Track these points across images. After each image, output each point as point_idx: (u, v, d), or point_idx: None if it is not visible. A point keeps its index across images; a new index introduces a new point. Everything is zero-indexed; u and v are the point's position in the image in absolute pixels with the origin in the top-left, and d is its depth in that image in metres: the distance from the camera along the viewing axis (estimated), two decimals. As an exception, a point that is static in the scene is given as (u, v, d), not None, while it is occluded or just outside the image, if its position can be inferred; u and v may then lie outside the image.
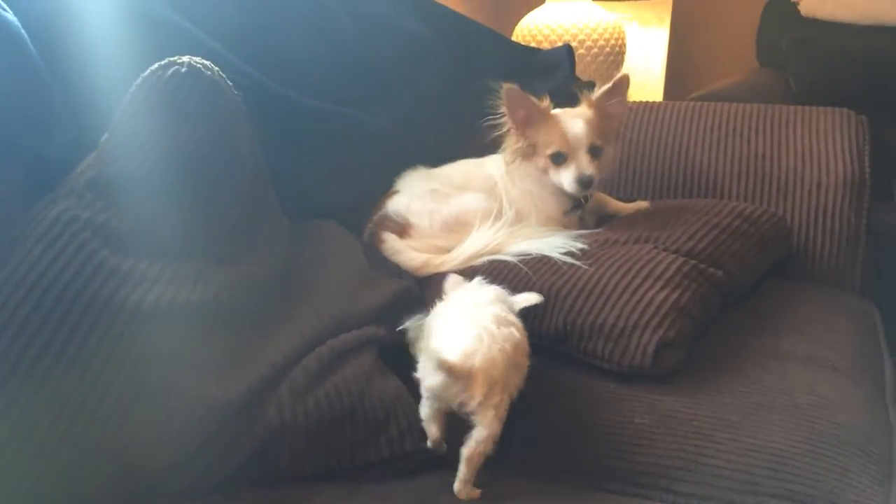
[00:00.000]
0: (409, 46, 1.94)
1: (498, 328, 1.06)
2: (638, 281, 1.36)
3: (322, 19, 1.75)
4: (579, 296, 1.34)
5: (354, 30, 1.80)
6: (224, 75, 1.26)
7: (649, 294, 1.33)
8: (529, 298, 1.24)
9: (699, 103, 2.05)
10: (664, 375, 1.27)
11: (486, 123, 1.62)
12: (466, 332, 1.04)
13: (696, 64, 3.72)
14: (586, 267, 1.38)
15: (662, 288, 1.35)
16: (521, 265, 1.44)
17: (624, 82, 1.60)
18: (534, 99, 1.59)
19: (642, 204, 1.78)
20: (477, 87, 1.84)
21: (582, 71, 3.07)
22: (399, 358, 1.22)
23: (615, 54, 3.14)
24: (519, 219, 1.67)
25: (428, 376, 1.03)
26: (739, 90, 2.62)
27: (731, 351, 1.37)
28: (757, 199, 1.85)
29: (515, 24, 3.18)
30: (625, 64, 3.19)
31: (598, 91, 1.62)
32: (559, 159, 1.60)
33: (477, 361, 1.00)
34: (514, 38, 3.13)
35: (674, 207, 1.69)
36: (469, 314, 1.10)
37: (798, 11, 3.11)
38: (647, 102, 2.10)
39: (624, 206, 1.78)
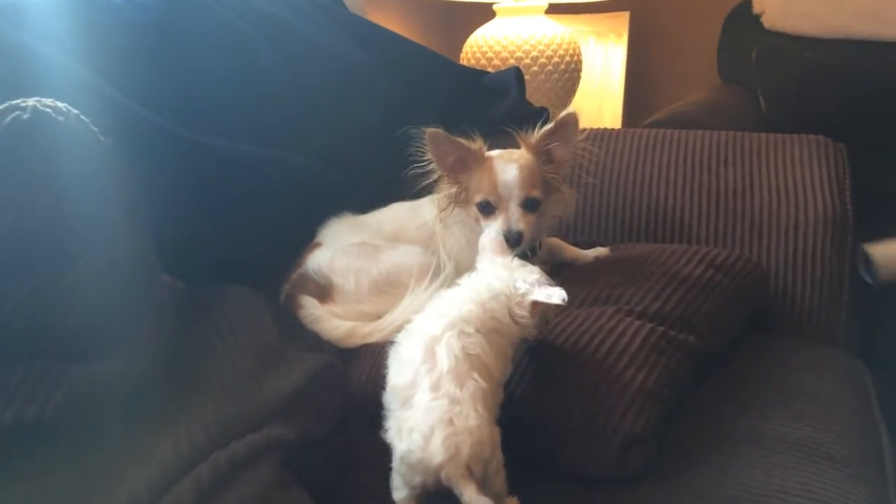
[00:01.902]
0: (340, 73, 1.71)
1: (461, 387, 0.93)
2: (597, 359, 1.14)
3: (231, 40, 1.50)
4: (521, 380, 1.12)
5: (271, 54, 1.56)
6: (86, 119, 1.01)
7: (610, 376, 1.11)
8: (552, 294, 1.06)
9: (661, 132, 1.85)
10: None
11: (410, 173, 1.39)
12: (434, 422, 0.89)
13: (656, 79, 3.55)
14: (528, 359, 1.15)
15: (626, 367, 1.13)
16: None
17: (570, 122, 1.39)
18: (463, 141, 1.37)
19: (602, 251, 1.57)
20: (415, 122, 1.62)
21: (536, 89, 2.86)
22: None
23: (570, 71, 2.94)
24: (459, 273, 1.43)
25: (406, 473, 0.90)
26: (704, 112, 2.43)
27: (710, 436, 1.16)
28: (728, 241, 1.65)
29: (465, 39, 2.97)
30: (581, 81, 2.99)
31: (539, 132, 1.39)
32: (487, 210, 1.38)
33: (467, 455, 0.87)
34: (463, 55, 2.92)
35: (637, 257, 1.48)
36: (425, 385, 0.95)
37: (761, 24, 2.94)
38: (603, 131, 1.90)
39: (581, 253, 1.57)
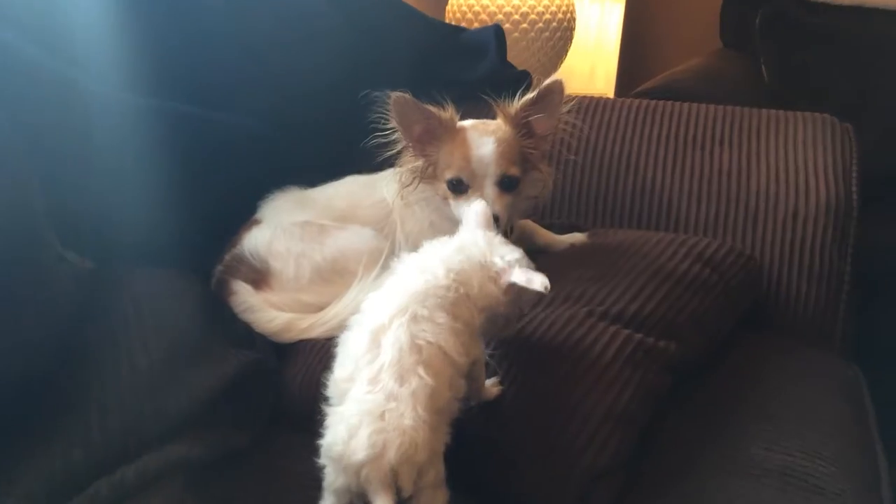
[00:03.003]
0: (292, 20, 1.51)
1: (402, 383, 0.81)
2: (560, 375, 0.98)
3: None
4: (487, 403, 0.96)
5: None
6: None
7: (574, 397, 0.96)
8: (533, 279, 0.92)
9: (653, 103, 1.68)
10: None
11: (372, 142, 1.21)
12: (362, 415, 0.79)
13: (654, 41, 3.35)
14: (487, 357, 0.99)
15: (594, 385, 0.98)
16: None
17: (555, 90, 1.22)
18: (433, 109, 1.19)
19: (579, 237, 1.41)
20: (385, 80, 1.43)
21: (525, 48, 2.67)
22: None
23: (563, 30, 2.73)
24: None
25: (329, 472, 0.80)
26: (701, 82, 2.25)
27: (687, 464, 1.02)
28: (720, 229, 1.49)
29: (449, -5, 2.75)
30: (574, 39, 2.79)
31: (519, 101, 1.22)
32: (459, 188, 1.21)
33: (393, 457, 0.76)
34: (448, 9, 2.70)
35: (617, 246, 1.32)
36: (364, 377, 0.83)
37: (769, -15, 2.74)
38: (588, 100, 1.71)
39: (556, 239, 1.41)
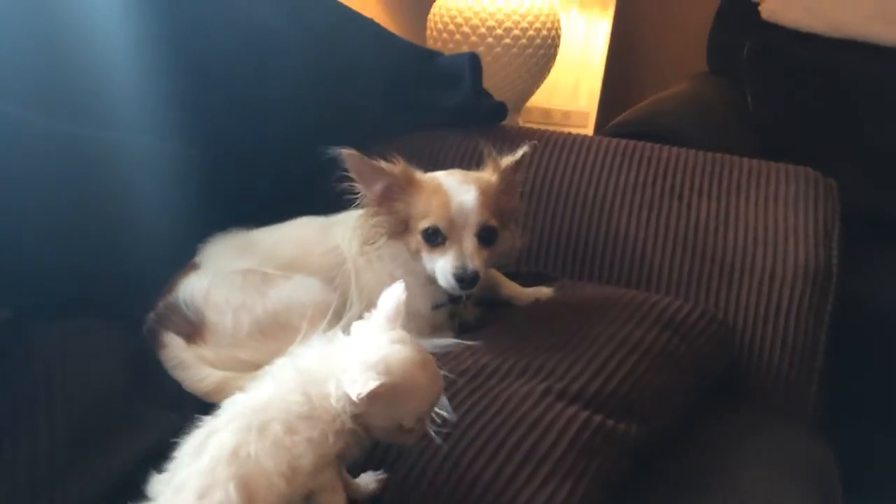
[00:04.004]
0: (249, 41, 1.42)
1: (202, 498, 0.75)
2: (511, 468, 0.92)
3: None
4: (415, 488, 0.89)
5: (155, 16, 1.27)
6: None
7: (524, 495, 0.90)
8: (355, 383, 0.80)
9: (631, 145, 1.62)
10: None
11: (336, 185, 1.15)
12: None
13: (640, 59, 3.29)
14: (439, 441, 0.92)
15: (547, 480, 0.92)
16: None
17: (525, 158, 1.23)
18: (383, 165, 1.13)
19: (545, 291, 1.35)
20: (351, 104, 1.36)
21: (507, 64, 2.60)
22: None
23: (546, 46, 2.66)
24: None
25: None
26: (684, 115, 2.18)
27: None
28: (693, 287, 1.44)
29: (431, 6, 2.67)
30: (559, 52, 2.72)
31: (513, 157, 1.22)
32: (435, 239, 1.14)
33: None
34: (429, 23, 2.62)
35: (583, 307, 1.27)
36: (173, 483, 0.78)
37: (758, 13, 2.68)
38: (563, 136, 1.66)
39: (522, 291, 1.35)
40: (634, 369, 1.13)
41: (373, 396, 0.77)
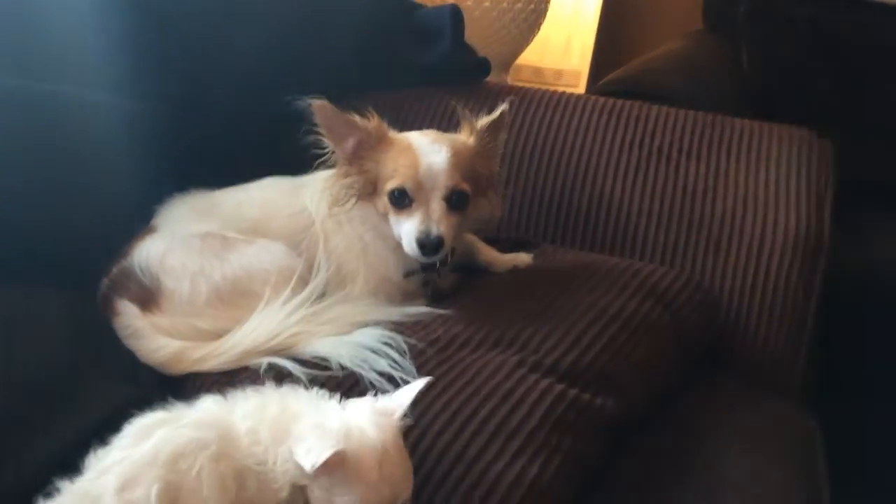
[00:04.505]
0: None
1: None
2: (481, 441, 0.89)
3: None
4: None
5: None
6: None
7: (493, 470, 0.86)
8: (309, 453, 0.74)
9: (619, 104, 1.58)
10: None
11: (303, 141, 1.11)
12: None
13: (635, 14, 3.21)
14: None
15: (517, 455, 0.90)
16: (307, 385, 0.95)
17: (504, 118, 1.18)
18: (357, 119, 1.08)
19: (523, 258, 1.32)
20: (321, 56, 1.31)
21: (496, 20, 2.52)
22: None
23: (537, 2, 2.59)
24: (341, 280, 1.17)
25: None
26: (677, 75, 2.13)
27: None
28: (678, 254, 1.41)
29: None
30: (550, 8, 2.65)
31: (490, 118, 1.17)
32: (401, 201, 1.10)
33: None
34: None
35: (562, 275, 1.24)
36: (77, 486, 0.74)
37: (756, -31, 2.61)
38: (545, 94, 1.61)
39: (500, 258, 1.32)
40: (613, 340, 1.10)
41: (326, 467, 0.72)
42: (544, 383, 0.99)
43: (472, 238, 1.32)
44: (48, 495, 0.73)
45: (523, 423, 0.93)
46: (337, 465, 0.73)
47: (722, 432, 1.16)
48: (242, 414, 0.81)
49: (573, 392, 1.00)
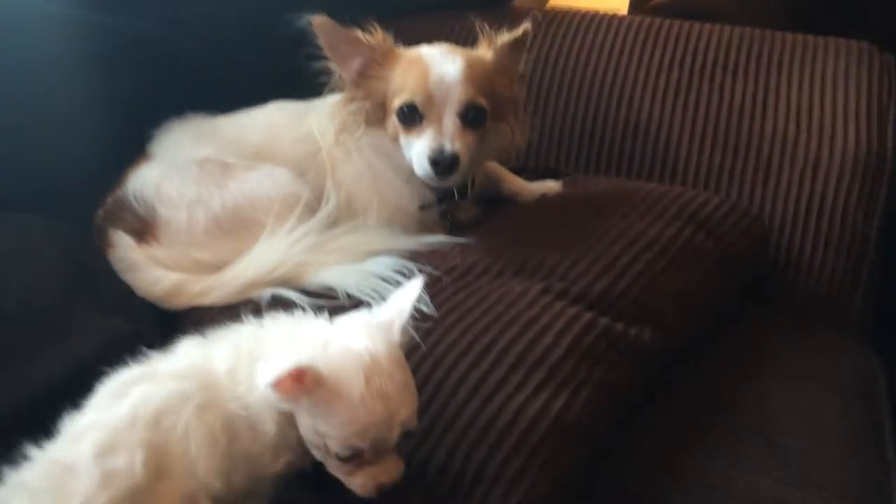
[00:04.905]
0: None
1: (104, 456, 0.64)
2: (500, 372, 0.82)
3: None
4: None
5: None
6: None
7: (513, 403, 0.79)
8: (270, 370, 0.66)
9: (657, 22, 1.47)
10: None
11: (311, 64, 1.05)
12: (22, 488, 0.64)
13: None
14: (418, 340, 0.82)
15: (541, 387, 0.81)
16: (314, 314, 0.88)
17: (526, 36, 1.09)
18: (360, 35, 1.00)
19: (552, 186, 1.23)
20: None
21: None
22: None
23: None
24: (351, 211, 1.10)
25: None
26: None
27: (651, 487, 0.86)
28: (724, 180, 1.31)
29: None
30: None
31: (513, 35, 1.08)
32: (411, 118, 1.02)
33: None
34: None
35: (594, 201, 1.15)
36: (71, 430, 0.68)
37: None
38: (576, 14, 1.51)
39: (526, 186, 1.24)
40: (650, 268, 1.01)
41: (281, 385, 0.64)
42: (572, 311, 0.91)
43: (495, 166, 1.24)
44: (14, 462, 0.66)
45: (548, 352, 0.85)
46: (313, 384, 0.65)
47: (772, 368, 1.07)
48: (220, 356, 0.73)
49: (604, 321, 0.92)
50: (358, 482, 0.70)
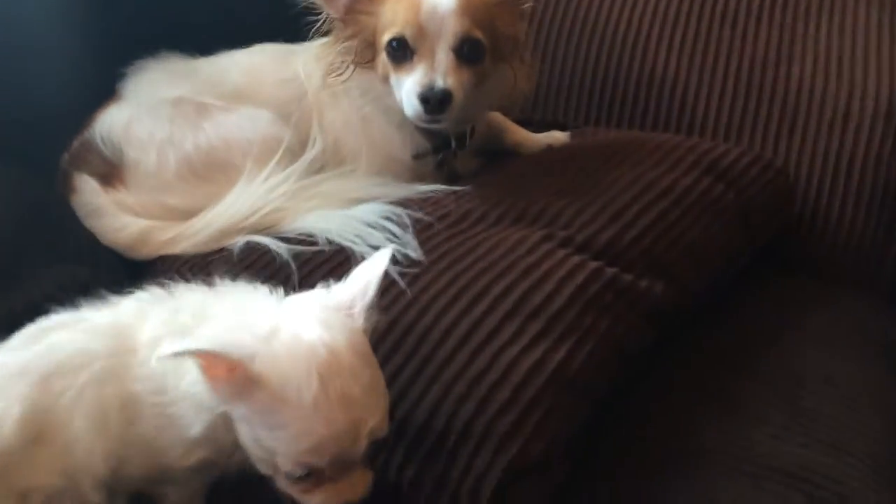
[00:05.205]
0: None
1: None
2: (493, 320, 0.74)
3: None
4: (375, 349, 0.72)
5: None
6: None
7: (507, 354, 0.71)
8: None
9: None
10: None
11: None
12: None
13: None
14: (403, 286, 0.75)
15: (538, 338, 0.73)
16: (292, 265, 0.81)
17: None
18: None
19: (559, 136, 1.15)
20: None
21: None
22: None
23: None
24: (339, 159, 1.02)
25: None
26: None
27: (660, 450, 0.78)
28: (745, 133, 1.23)
29: None
30: None
31: None
32: (402, 54, 0.94)
33: None
34: None
35: (603, 149, 1.07)
36: None
37: None
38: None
39: (529, 137, 1.16)
40: (662, 218, 0.93)
41: (223, 382, 0.53)
42: (575, 259, 0.83)
43: (497, 116, 1.16)
44: None
45: (548, 300, 0.77)
46: (247, 385, 0.54)
47: (797, 331, 0.99)
48: (151, 321, 0.63)
49: (612, 271, 0.83)
50: (316, 502, 0.58)
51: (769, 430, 0.80)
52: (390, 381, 0.66)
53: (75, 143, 0.99)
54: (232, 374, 0.53)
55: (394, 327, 0.74)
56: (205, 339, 0.55)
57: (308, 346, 0.55)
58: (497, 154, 1.16)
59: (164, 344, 0.56)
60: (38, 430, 0.58)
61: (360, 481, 0.58)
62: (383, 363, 0.67)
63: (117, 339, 0.61)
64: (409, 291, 0.76)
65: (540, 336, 0.74)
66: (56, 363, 0.59)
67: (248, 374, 0.53)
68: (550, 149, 1.13)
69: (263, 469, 0.59)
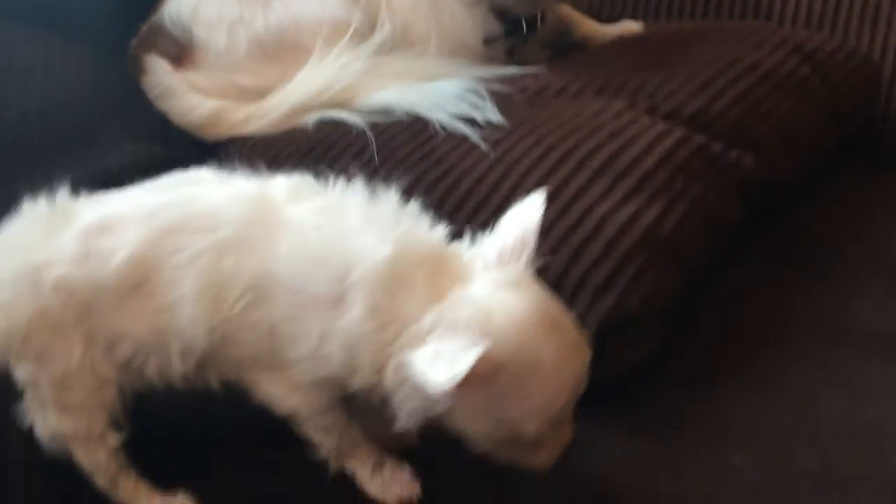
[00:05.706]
0: None
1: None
2: (581, 179, 0.72)
3: None
4: (460, 208, 0.71)
5: None
6: None
7: (599, 210, 0.70)
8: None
9: None
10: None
11: None
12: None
13: None
14: (485, 148, 0.74)
15: (631, 194, 0.72)
16: (369, 135, 0.80)
17: None
18: None
19: (631, 27, 1.12)
20: None
21: None
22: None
23: None
24: (407, 43, 1.00)
25: None
26: None
27: (758, 320, 0.77)
28: (827, 24, 1.18)
29: None
30: None
31: None
32: None
33: None
34: None
35: (682, 35, 1.02)
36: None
37: None
38: None
39: (600, 29, 1.13)
40: (751, 92, 0.90)
41: (466, 384, 0.47)
42: (662, 126, 0.81)
43: (569, 10, 1.13)
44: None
45: (637, 162, 0.75)
46: (488, 372, 0.49)
47: (881, 218, 0.95)
48: (313, 205, 0.57)
49: (701, 138, 0.81)
50: (544, 457, 0.55)
51: (870, 307, 0.78)
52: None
53: (144, 28, 0.99)
54: (479, 367, 0.47)
55: (479, 186, 0.73)
56: (464, 346, 0.48)
57: (520, 310, 0.52)
58: (567, 50, 1.13)
59: (412, 361, 0.49)
60: (140, 279, 0.55)
61: (570, 426, 0.56)
62: (467, 220, 0.66)
63: (262, 212, 0.56)
64: (491, 154, 0.74)
65: (631, 194, 0.72)
66: (183, 217, 0.56)
67: (494, 362, 0.49)
68: (623, 39, 1.10)
69: (483, 446, 0.55)
